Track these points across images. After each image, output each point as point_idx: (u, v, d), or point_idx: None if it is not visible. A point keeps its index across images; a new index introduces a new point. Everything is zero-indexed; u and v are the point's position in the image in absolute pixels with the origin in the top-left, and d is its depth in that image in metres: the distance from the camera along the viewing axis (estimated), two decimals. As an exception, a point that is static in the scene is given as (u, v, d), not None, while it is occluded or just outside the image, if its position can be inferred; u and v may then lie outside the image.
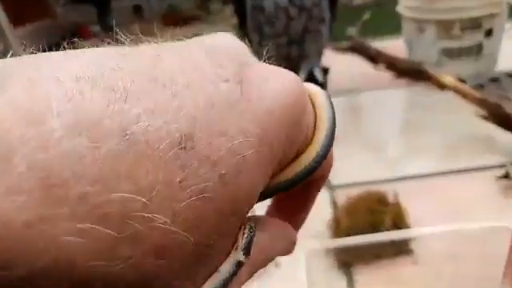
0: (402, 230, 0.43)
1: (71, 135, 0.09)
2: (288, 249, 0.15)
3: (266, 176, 0.12)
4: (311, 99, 0.14)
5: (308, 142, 0.14)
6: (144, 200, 0.09)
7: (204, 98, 0.11)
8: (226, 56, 0.12)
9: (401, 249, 0.44)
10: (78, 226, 0.09)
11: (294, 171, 0.14)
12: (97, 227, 0.09)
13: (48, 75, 0.10)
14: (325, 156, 0.14)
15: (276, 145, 0.12)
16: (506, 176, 0.52)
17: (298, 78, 0.14)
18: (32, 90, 0.09)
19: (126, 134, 0.09)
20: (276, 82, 0.12)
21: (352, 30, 0.81)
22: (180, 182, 0.10)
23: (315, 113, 0.14)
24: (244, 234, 0.12)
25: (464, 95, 0.61)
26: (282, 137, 0.12)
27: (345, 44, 0.80)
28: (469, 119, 0.64)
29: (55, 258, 0.09)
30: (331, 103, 0.15)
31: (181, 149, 0.10)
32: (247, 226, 0.12)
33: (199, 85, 0.11)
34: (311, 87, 0.15)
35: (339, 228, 0.46)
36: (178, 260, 0.10)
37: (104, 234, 0.09)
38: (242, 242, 0.12)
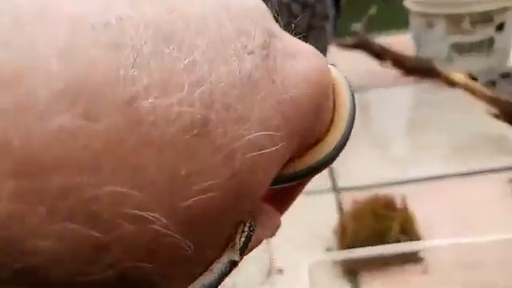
0: (410, 243, 0.41)
1: (60, 106, 0.07)
2: (272, 235, 0.14)
3: (279, 168, 0.11)
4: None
5: (327, 128, 0.13)
6: (140, 196, 0.08)
7: (226, 74, 0.09)
8: (250, 18, 0.10)
9: (410, 256, 0.42)
10: (57, 226, 0.07)
11: (313, 160, 0.13)
12: (80, 228, 0.07)
13: (36, 13, 0.07)
14: (344, 145, 0.13)
15: (295, 138, 0.11)
16: (520, 178, 0.50)
17: (324, 59, 0.12)
18: (15, 35, 0.07)
19: (131, 110, 0.08)
20: (304, 63, 0.11)
21: (357, 26, 0.79)
22: (185, 176, 0.08)
23: (334, 97, 0.13)
24: (243, 231, 0.11)
25: (475, 93, 0.59)
26: (303, 128, 0.11)
27: (350, 40, 0.77)
28: (480, 118, 0.61)
29: (26, 265, 0.07)
30: (350, 88, 0.14)
31: (193, 136, 0.08)
32: (247, 224, 0.11)
33: (221, 54, 0.09)
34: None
35: (345, 234, 0.44)
36: (170, 263, 0.09)
37: (89, 237, 0.07)
38: (239, 240, 0.11)
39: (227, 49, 0.09)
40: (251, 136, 0.09)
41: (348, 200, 0.50)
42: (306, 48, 0.12)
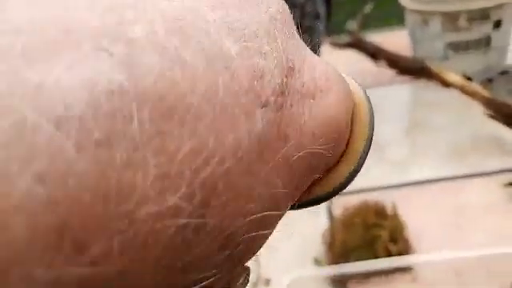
0: (399, 257, 0.40)
1: (45, 249, 0.06)
2: None
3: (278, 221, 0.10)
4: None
5: (345, 148, 0.12)
6: None
7: (232, 147, 0.08)
8: (269, 44, 0.09)
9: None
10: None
11: (334, 183, 0.12)
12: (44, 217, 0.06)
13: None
14: (365, 159, 0.13)
15: (305, 185, 0.10)
16: (515, 182, 0.49)
17: (347, 85, 0.11)
18: None
19: (122, 226, 0.07)
20: (323, 104, 0.10)
21: (352, 24, 0.77)
22: (182, 269, 0.08)
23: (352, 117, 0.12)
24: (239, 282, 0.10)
25: (471, 94, 0.57)
26: (315, 173, 0.11)
27: (344, 39, 0.76)
28: (476, 119, 0.60)
29: None
30: (369, 100, 0.13)
31: (189, 231, 0.08)
32: (243, 275, 0.10)
33: (229, 118, 0.08)
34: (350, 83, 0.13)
35: (334, 243, 0.43)
36: None
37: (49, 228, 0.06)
38: None
39: (237, 107, 0.08)
40: (253, 217, 0.09)
41: (339, 205, 0.49)
42: (328, 76, 0.11)
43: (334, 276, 0.41)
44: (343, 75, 0.13)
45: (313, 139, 0.10)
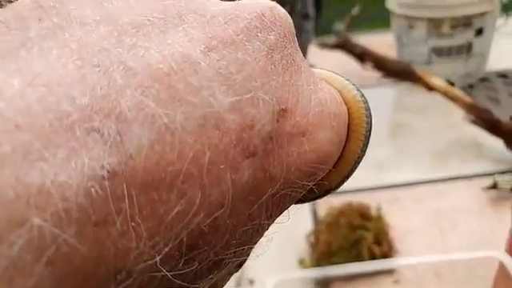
0: (382, 260, 0.41)
1: None
2: None
3: None
4: (344, 95, 0.13)
5: (342, 151, 0.12)
6: None
7: (217, 201, 0.09)
8: (260, 87, 0.09)
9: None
10: None
11: (329, 185, 0.13)
12: None
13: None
14: (360, 160, 0.13)
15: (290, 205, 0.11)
16: (494, 186, 0.50)
17: (340, 108, 0.11)
18: None
19: None
20: (314, 141, 0.10)
21: (340, 25, 0.78)
22: None
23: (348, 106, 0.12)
24: None
25: (453, 99, 0.58)
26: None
27: (332, 40, 0.76)
28: (459, 122, 0.61)
29: None
30: (365, 101, 0.13)
31: (179, 267, 0.09)
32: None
33: (216, 174, 0.09)
34: (338, 81, 0.13)
35: (318, 244, 0.43)
36: None
37: None
38: None
39: (224, 163, 0.09)
40: (238, 249, 0.09)
41: (324, 206, 0.49)
42: (322, 108, 0.11)
43: (318, 278, 0.41)
44: (339, 77, 0.13)
45: (301, 175, 0.10)
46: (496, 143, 0.57)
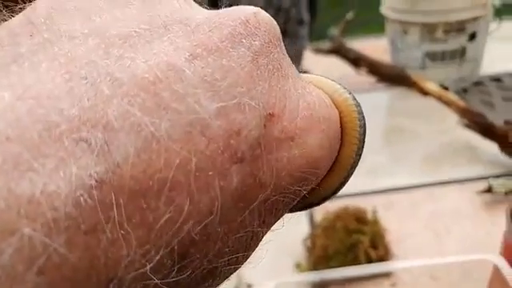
0: (379, 264, 0.41)
1: None
2: None
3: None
4: (335, 100, 0.12)
5: (337, 155, 0.12)
6: None
7: (207, 207, 0.09)
8: (247, 93, 0.09)
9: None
10: None
11: (325, 192, 0.13)
12: None
13: None
14: (357, 164, 0.13)
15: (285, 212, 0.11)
16: (489, 190, 0.50)
17: (330, 110, 0.11)
18: None
19: None
20: (302, 145, 0.10)
21: (334, 30, 0.78)
22: None
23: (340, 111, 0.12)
24: None
25: (447, 103, 0.59)
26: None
27: (326, 45, 0.77)
28: (453, 126, 0.62)
29: None
30: (358, 104, 0.13)
31: (173, 274, 0.09)
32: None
33: (203, 181, 0.09)
34: (329, 85, 0.13)
35: (315, 248, 0.44)
36: None
37: None
38: None
39: (212, 170, 0.09)
40: (231, 257, 0.09)
41: (320, 210, 0.50)
42: (310, 112, 0.11)
43: (316, 281, 0.41)
44: (330, 81, 0.13)
45: (292, 181, 0.10)
46: (490, 147, 0.58)
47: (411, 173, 0.59)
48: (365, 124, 0.13)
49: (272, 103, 0.10)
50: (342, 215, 0.45)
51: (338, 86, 0.13)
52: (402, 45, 0.77)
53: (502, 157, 0.56)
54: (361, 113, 0.13)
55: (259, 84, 0.10)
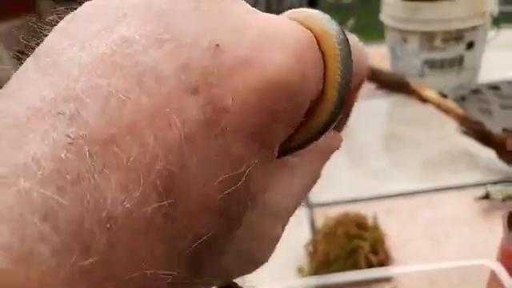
0: (380, 269, 0.42)
1: None
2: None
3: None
4: (316, 32, 0.12)
5: (322, 86, 0.12)
6: None
7: (174, 139, 0.10)
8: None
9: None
10: None
11: (316, 124, 0.12)
12: None
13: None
14: (344, 98, 0.12)
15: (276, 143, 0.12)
16: (487, 197, 0.51)
17: (302, 42, 0.12)
18: None
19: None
20: (265, 68, 0.11)
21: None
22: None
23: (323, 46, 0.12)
24: None
25: (446, 111, 0.60)
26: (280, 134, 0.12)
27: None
28: (451, 134, 0.63)
29: None
30: (341, 30, 0.12)
31: (163, 209, 0.10)
32: None
33: (159, 117, 0.10)
34: (311, 17, 0.12)
35: (316, 253, 0.44)
36: None
37: None
38: None
39: (169, 105, 0.10)
40: (224, 177, 0.10)
41: (321, 216, 0.50)
42: (267, 38, 0.11)
43: (318, 285, 0.42)
44: (309, 10, 0.13)
45: (260, 105, 0.11)
46: (488, 154, 0.59)
47: (411, 179, 0.60)
48: (348, 47, 0.12)
49: (218, 33, 0.11)
50: (343, 221, 0.46)
51: (315, 12, 0.13)
52: (402, 53, 0.78)
53: (500, 164, 0.57)
54: (340, 33, 0.12)
55: (200, 17, 0.11)
